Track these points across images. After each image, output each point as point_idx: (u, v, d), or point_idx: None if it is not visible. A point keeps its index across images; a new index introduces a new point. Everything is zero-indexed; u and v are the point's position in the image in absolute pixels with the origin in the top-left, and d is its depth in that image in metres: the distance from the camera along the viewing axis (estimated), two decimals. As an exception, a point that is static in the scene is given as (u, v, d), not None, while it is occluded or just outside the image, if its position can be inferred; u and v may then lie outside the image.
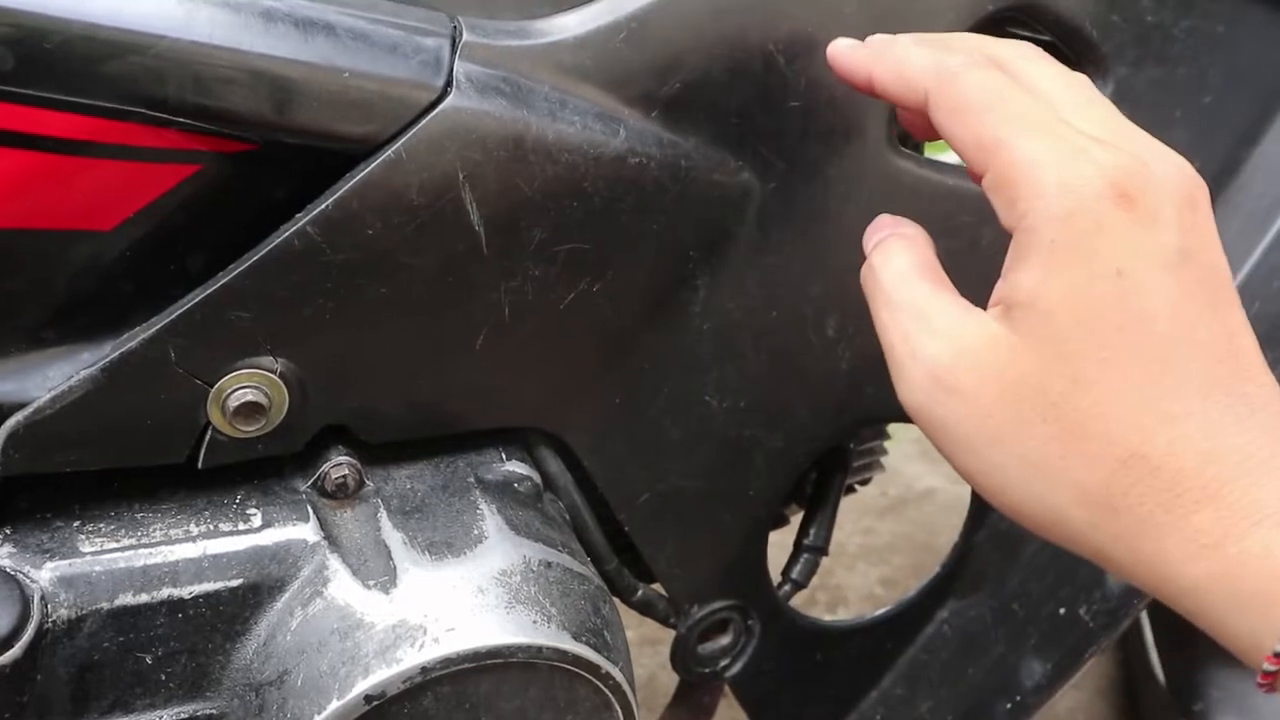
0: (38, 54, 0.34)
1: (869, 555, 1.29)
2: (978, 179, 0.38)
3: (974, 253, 0.55)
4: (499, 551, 0.43)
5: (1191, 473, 0.33)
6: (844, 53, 0.42)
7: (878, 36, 0.42)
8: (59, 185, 0.37)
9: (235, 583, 0.41)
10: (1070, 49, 0.54)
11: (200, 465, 0.42)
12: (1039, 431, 0.34)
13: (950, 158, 0.57)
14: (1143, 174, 0.34)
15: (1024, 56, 0.39)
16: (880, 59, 0.41)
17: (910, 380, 0.37)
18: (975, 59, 0.38)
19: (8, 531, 0.40)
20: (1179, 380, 0.33)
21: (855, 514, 1.33)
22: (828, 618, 1.18)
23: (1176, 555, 0.33)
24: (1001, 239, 0.55)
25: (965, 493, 0.61)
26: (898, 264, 0.40)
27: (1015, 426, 0.34)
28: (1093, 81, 0.54)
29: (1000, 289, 0.36)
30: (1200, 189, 0.36)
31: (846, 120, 0.49)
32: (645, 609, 0.57)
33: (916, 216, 0.52)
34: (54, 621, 0.38)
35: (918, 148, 0.68)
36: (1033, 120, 0.35)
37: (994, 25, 0.52)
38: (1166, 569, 0.33)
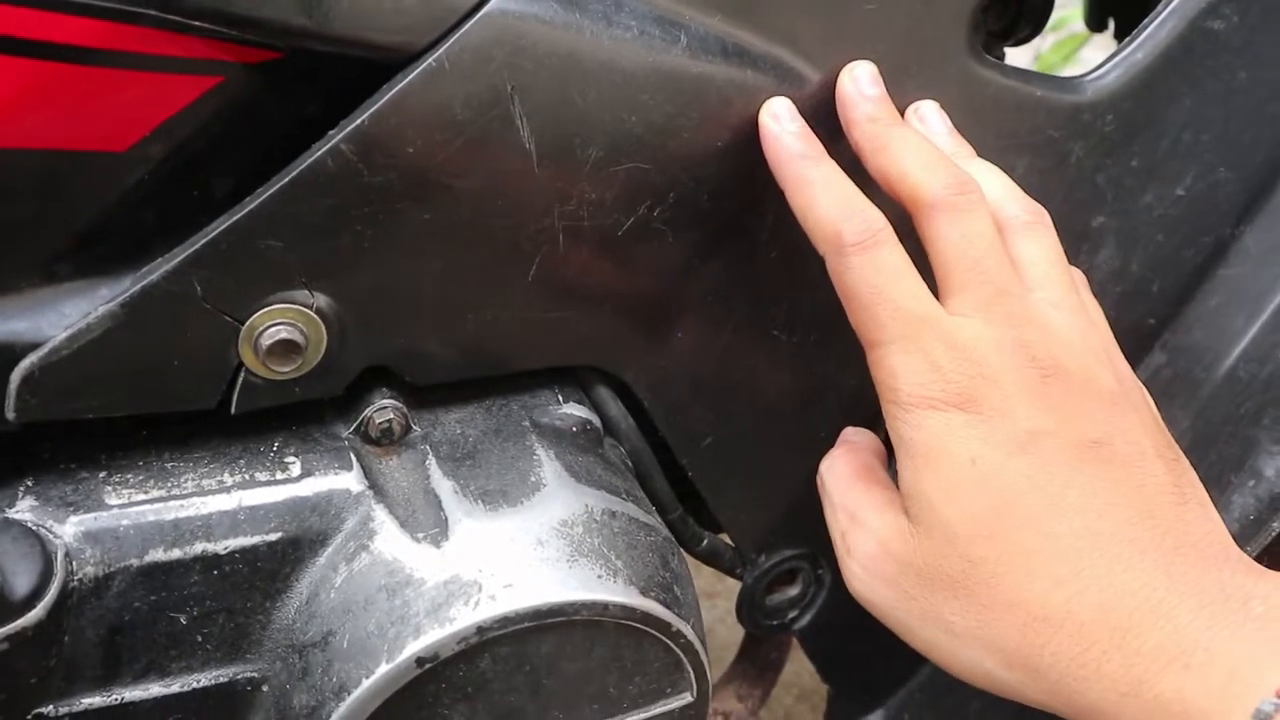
0: None
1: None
2: None
3: (1062, 169, 0.50)
4: (559, 500, 0.40)
5: (1093, 625, 0.35)
6: (771, 140, 0.42)
7: (797, 147, 0.42)
8: (67, 99, 0.33)
9: (274, 536, 0.38)
10: None
11: (233, 410, 0.38)
12: (954, 607, 0.38)
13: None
14: (988, 373, 0.38)
15: (937, 210, 0.41)
16: (795, 188, 0.42)
17: (849, 572, 0.42)
18: (869, 235, 0.40)
19: (29, 483, 0.37)
20: (1060, 545, 0.37)
21: None
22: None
23: (1103, 705, 0.35)
24: (1093, 156, 0.51)
25: None
26: (839, 469, 0.45)
27: (934, 604, 0.38)
28: None
29: (899, 484, 0.41)
30: (1054, 351, 0.39)
31: (923, 26, 0.45)
32: (711, 559, 0.53)
33: (1000, 129, 0.48)
34: (79, 580, 0.35)
35: (999, 59, 0.63)
36: (899, 327, 0.39)
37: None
38: (1102, 718, 0.35)
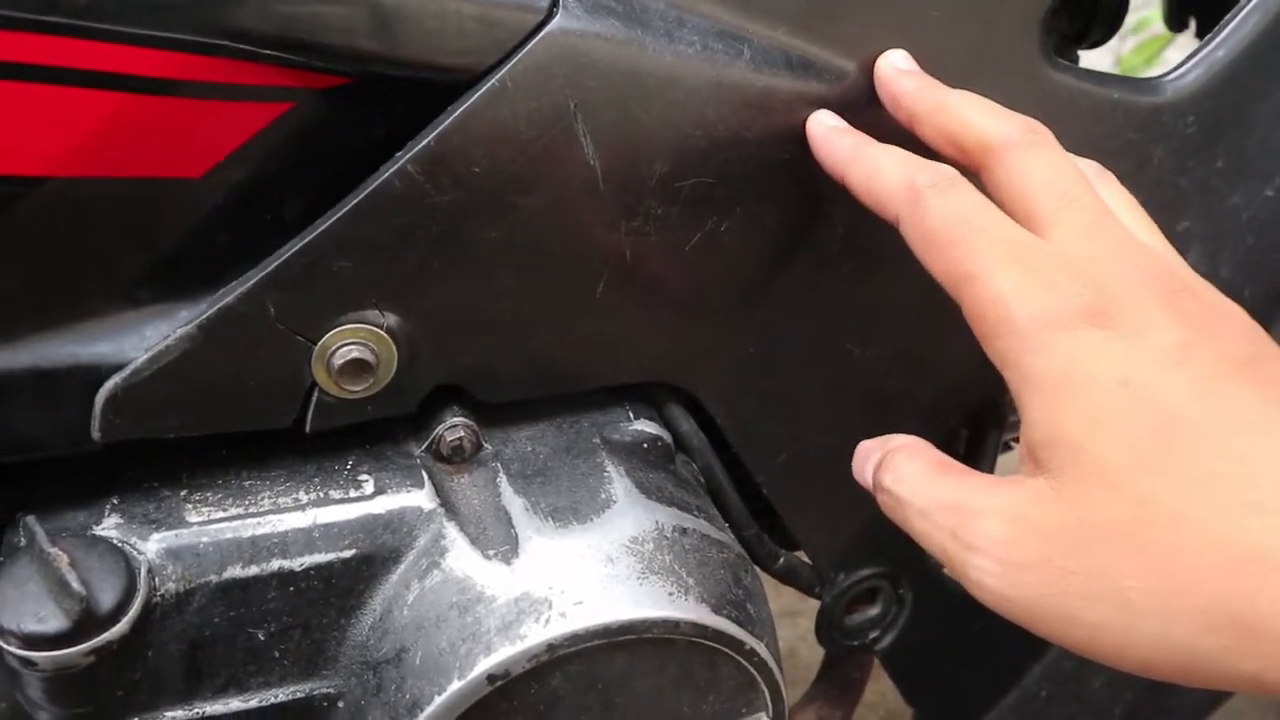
0: None
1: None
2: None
3: (1143, 173, 0.49)
4: (629, 517, 0.39)
5: None
6: (821, 139, 0.41)
7: (849, 135, 0.40)
8: (144, 128, 0.34)
9: (348, 554, 0.38)
10: None
11: (308, 429, 0.39)
12: (1129, 567, 0.30)
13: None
14: (1112, 288, 0.33)
15: (1013, 148, 0.38)
16: (854, 163, 0.39)
17: (979, 574, 0.33)
18: (945, 178, 0.36)
19: (115, 501, 0.38)
20: (1249, 465, 0.30)
21: (1011, 467, 1.25)
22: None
23: None
24: (1175, 158, 0.50)
25: None
26: (910, 473, 0.37)
27: (1101, 572, 0.31)
28: None
29: (1021, 443, 0.34)
30: (1176, 271, 0.35)
31: (992, 32, 0.44)
32: (787, 577, 0.52)
33: (1075, 134, 0.47)
34: (162, 595, 0.36)
35: (1077, 57, 0.62)
36: (1000, 252, 0.34)
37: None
38: None
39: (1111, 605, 0.31)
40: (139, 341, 0.37)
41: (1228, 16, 0.50)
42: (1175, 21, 0.75)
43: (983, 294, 0.34)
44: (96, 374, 0.36)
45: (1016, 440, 0.64)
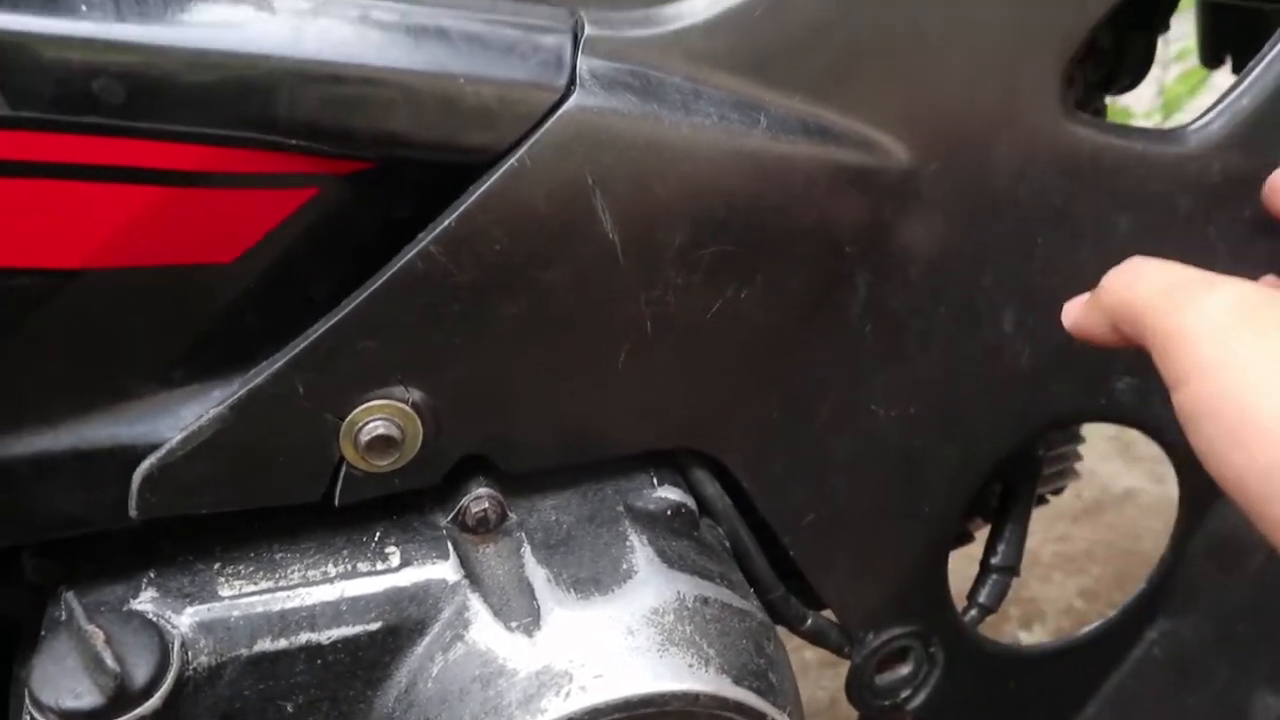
0: (147, 84, 0.33)
1: (1065, 564, 1.20)
2: None
3: (1170, 224, 0.49)
4: (650, 587, 0.40)
5: None
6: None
7: None
8: (177, 219, 0.35)
9: (374, 626, 0.39)
10: None
11: (336, 502, 0.40)
12: None
13: (1135, 121, 0.51)
14: None
15: None
16: None
17: (1199, 319, 0.35)
18: None
19: (151, 575, 0.39)
20: None
21: (1048, 519, 1.24)
22: (1022, 634, 1.11)
23: None
24: (1202, 208, 0.49)
25: (1169, 493, 0.55)
26: (1141, 264, 0.40)
27: None
28: None
29: None
30: None
31: (1014, 86, 0.44)
32: (816, 638, 0.52)
33: (1100, 187, 0.47)
34: (194, 669, 0.37)
35: (1099, 113, 0.62)
36: None
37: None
38: None
39: None
40: (174, 422, 0.38)
41: (1249, 66, 0.49)
42: (1210, 58, 0.74)
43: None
44: (134, 454, 0.37)
45: (1054, 493, 0.64)
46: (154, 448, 0.37)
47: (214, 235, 0.36)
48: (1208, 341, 0.34)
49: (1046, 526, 1.23)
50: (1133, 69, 0.58)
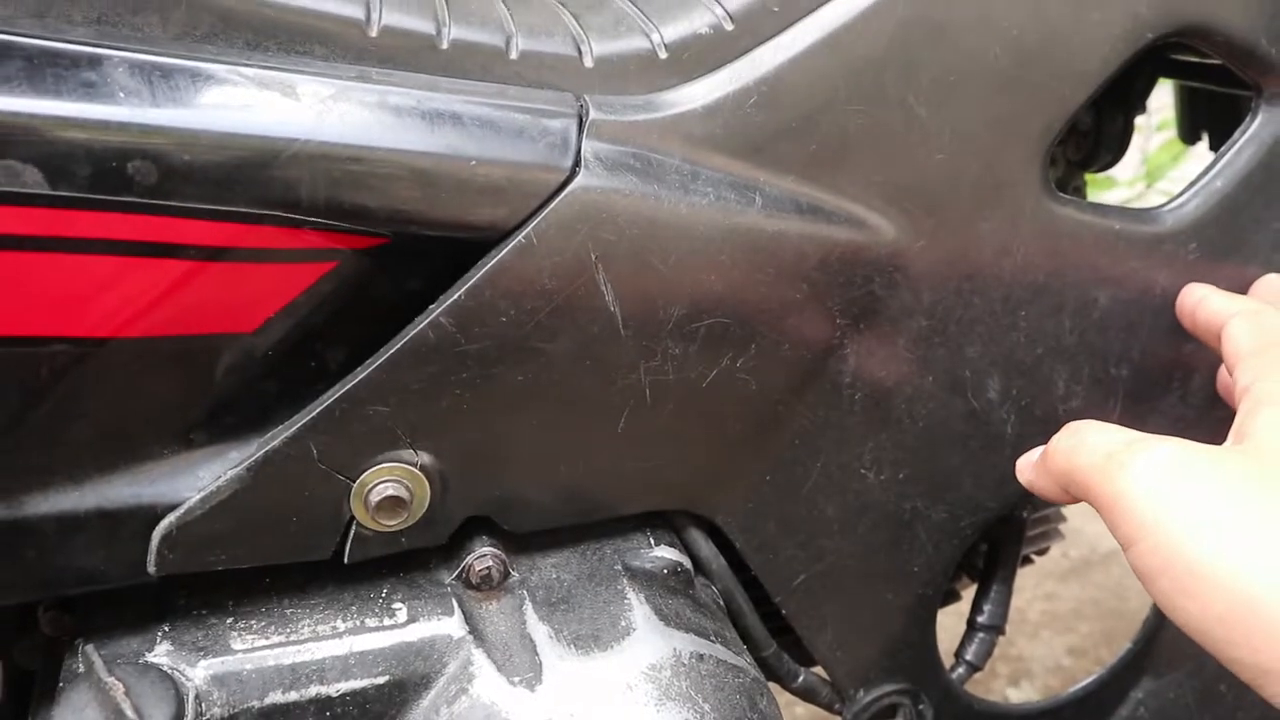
0: (178, 167, 0.35)
1: (1053, 623, 1.21)
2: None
3: (1147, 299, 0.51)
4: (648, 644, 0.41)
5: None
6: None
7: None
8: (203, 291, 0.37)
9: (381, 680, 0.40)
10: (1245, 71, 0.50)
11: (346, 560, 0.42)
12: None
13: (1111, 198, 0.53)
14: None
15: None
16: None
17: (1134, 472, 0.38)
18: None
19: (166, 628, 0.41)
20: None
21: (1036, 578, 1.25)
22: (1010, 692, 1.11)
23: None
24: (1179, 284, 0.51)
25: None
26: (1089, 425, 0.42)
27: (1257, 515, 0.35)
28: (1276, 103, 0.50)
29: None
30: None
31: (996, 168, 0.46)
32: (807, 695, 0.54)
33: (1079, 264, 0.49)
34: (208, 721, 0.39)
35: (1079, 190, 0.64)
36: None
37: (1156, 53, 0.48)
38: None
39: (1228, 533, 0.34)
40: (193, 482, 0.39)
41: (1223, 148, 0.52)
42: (1188, 135, 0.77)
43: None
44: (154, 513, 0.39)
45: (1039, 553, 0.66)
46: (173, 507, 0.39)
47: (237, 306, 0.38)
48: (1146, 503, 0.37)
49: (1035, 585, 1.25)
50: (1112, 148, 0.61)
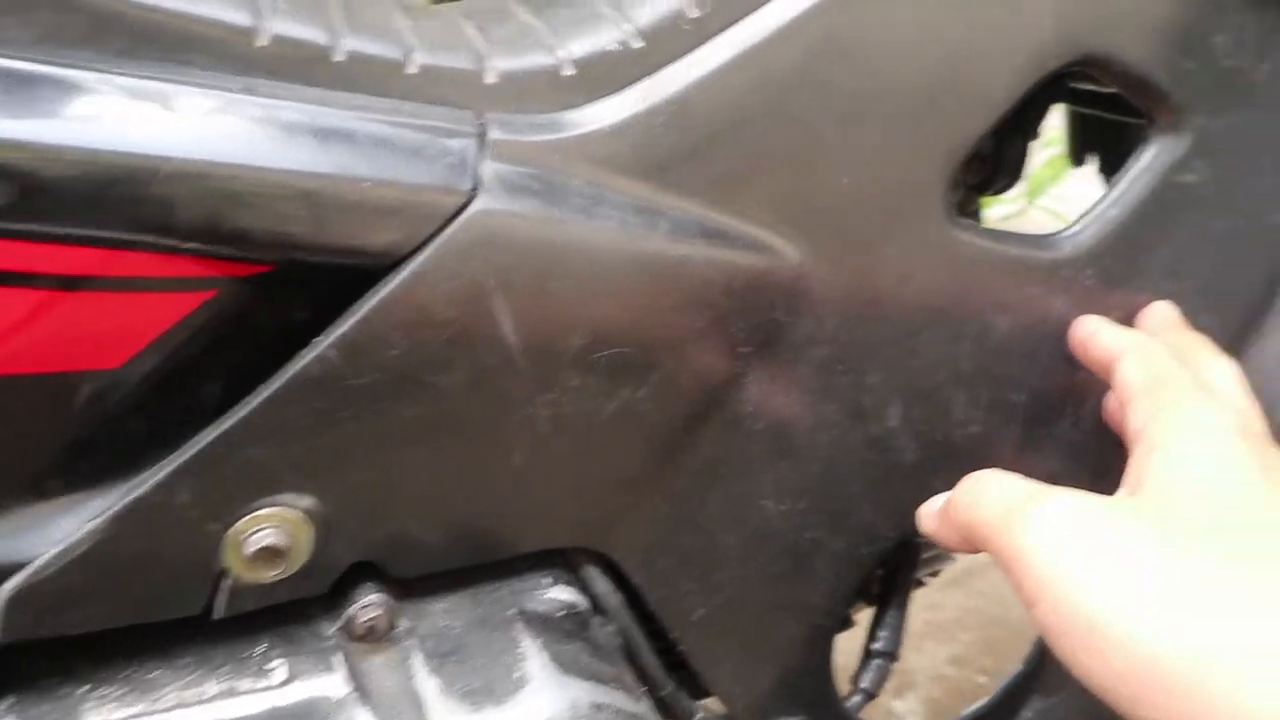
0: (36, 186, 0.31)
1: (936, 633, 1.23)
2: None
3: (1045, 324, 0.51)
4: (544, 696, 0.39)
5: None
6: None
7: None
8: (61, 325, 0.34)
9: None
10: (1140, 101, 0.51)
11: (216, 616, 0.38)
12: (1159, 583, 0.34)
13: (1010, 226, 0.53)
14: None
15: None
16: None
17: (1035, 522, 0.37)
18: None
19: (11, 701, 0.37)
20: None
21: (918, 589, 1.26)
22: (895, 703, 1.13)
23: None
24: (1076, 310, 0.52)
25: None
26: (988, 475, 0.43)
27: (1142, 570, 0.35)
28: (1168, 133, 0.50)
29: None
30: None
31: (900, 193, 0.46)
32: (704, 732, 0.52)
33: (980, 290, 0.49)
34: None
35: (975, 214, 0.64)
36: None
37: (1056, 81, 0.49)
38: None
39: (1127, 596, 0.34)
40: (46, 536, 0.36)
41: (1117, 177, 0.52)
42: (1076, 157, 0.78)
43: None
44: None
45: (932, 575, 0.66)
46: (21, 565, 0.35)
47: (99, 340, 0.35)
48: (1045, 561, 0.36)
49: (918, 595, 1.26)
50: (1009, 173, 0.61)
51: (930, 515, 0.45)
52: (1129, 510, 0.37)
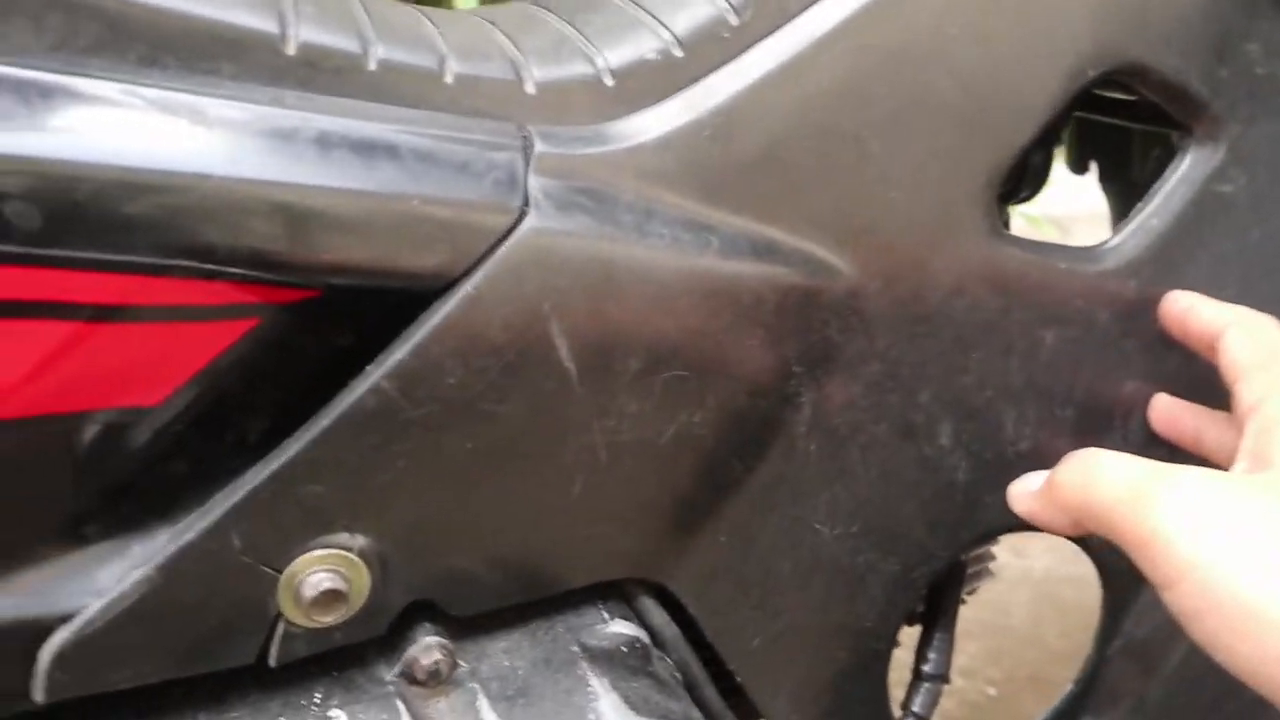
0: (68, 208, 0.29)
1: (943, 644, 1.21)
2: None
3: (1089, 336, 0.50)
4: (619, 738, 0.37)
5: None
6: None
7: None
8: (96, 359, 0.31)
9: None
10: (1176, 111, 0.50)
11: (272, 663, 0.36)
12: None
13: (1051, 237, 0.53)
14: None
15: None
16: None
17: (1170, 497, 0.36)
18: None
19: None
20: None
21: (974, 616, 1.24)
22: None
23: None
24: (1119, 322, 0.51)
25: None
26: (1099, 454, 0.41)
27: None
28: (1205, 143, 0.50)
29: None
30: None
31: (949, 206, 0.45)
32: (763, 763, 0.50)
33: (1026, 303, 0.48)
34: None
35: (1005, 224, 0.64)
36: None
37: (1092, 90, 0.48)
38: None
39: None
40: (88, 586, 0.33)
41: (1156, 185, 0.52)
42: (1077, 165, 0.78)
43: None
44: (40, 628, 0.33)
45: (969, 593, 0.64)
46: (65, 618, 0.33)
47: (138, 375, 0.32)
48: (1185, 542, 0.35)
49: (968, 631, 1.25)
50: (1034, 181, 0.60)
51: (1027, 495, 0.43)
52: (1267, 487, 0.35)
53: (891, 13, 0.42)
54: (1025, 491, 0.44)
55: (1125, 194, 0.72)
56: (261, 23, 0.34)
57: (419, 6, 0.42)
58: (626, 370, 0.38)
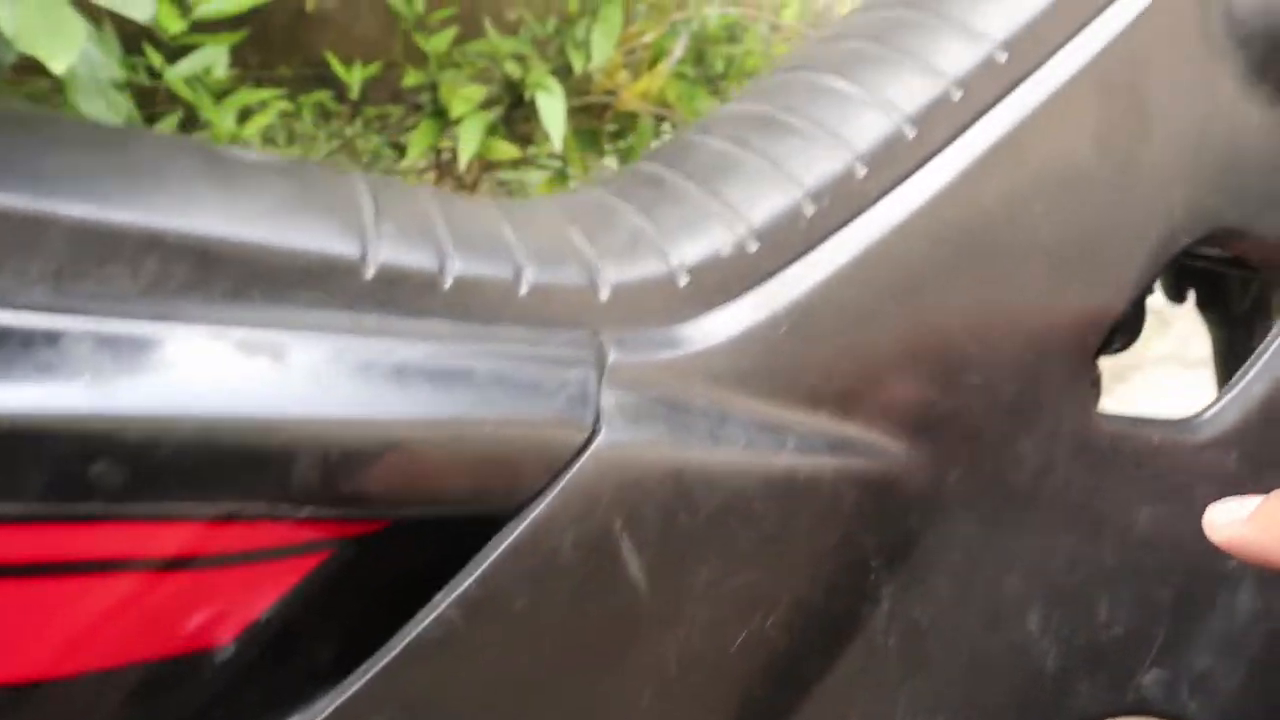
0: (152, 464, 0.29)
1: None
2: None
3: (1189, 514, 0.47)
4: None
5: None
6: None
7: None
8: (168, 608, 0.31)
9: None
10: (1271, 270, 0.48)
11: None
12: None
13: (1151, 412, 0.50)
14: None
15: None
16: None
17: None
18: None
19: None
20: None
21: None
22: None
23: None
24: (1220, 496, 0.48)
25: None
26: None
27: None
28: None
29: None
30: None
31: (1037, 386, 0.43)
32: None
33: (1120, 479, 0.46)
34: None
35: (1095, 382, 0.61)
36: None
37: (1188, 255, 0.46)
38: None
39: None
40: None
41: (1258, 351, 0.49)
42: (1175, 294, 0.75)
43: None
44: None
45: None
46: None
47: (211, 618, 0.32)
48: None
49: None
50: (1127, 333, 0.58)
51: (1233, 524, 0.40)
52: None
53: (972, 195, 0.41)
54: (1227, 521, 0.40)
55: (1224, 324, 0.70)
56: (344, 247, 0.34)
57: (499, 202, 0.42)
58: (698, 580, 0.38)
